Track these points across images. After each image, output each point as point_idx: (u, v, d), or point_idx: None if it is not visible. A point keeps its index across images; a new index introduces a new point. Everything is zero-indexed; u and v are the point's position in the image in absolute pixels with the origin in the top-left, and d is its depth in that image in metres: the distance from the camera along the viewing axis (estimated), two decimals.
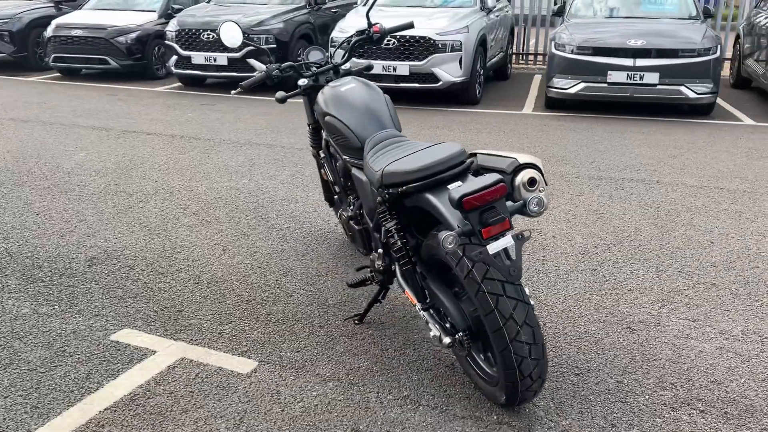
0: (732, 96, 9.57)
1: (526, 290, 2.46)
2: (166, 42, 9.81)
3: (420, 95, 9.30)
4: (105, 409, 2.64)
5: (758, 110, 8.56)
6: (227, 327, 3.27)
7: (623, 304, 3.50)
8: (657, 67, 7.71)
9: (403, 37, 8.29)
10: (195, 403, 2.69)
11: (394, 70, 8.32)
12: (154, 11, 11.08)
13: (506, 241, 2.24)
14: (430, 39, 8.23)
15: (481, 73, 9.02)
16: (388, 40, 8.30)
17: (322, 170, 3.93)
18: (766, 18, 9.13)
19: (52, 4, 12.18)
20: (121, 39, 10.37)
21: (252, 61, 10.32)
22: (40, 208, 4.86)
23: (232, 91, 3.67)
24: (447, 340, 2.58)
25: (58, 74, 11.29)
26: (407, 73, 8.34)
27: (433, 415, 2.64)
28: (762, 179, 5.59)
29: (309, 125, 3.80)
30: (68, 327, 3.25)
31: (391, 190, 2.63)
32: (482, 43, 8.89)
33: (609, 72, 7.85)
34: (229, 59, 9.38)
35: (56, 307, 3.45)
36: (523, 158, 2.47)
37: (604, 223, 4.60)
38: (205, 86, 10.28)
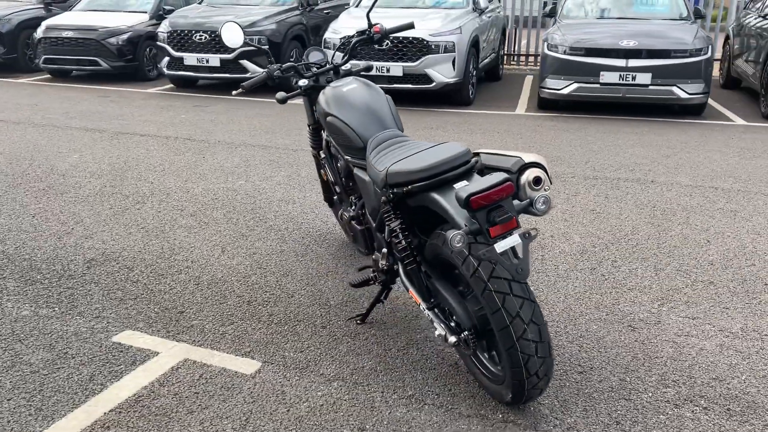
0: (722, 96, 9.65)
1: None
2: (158, 43, 9.77)
3: (413, 96, 9.31)
4: (110, 411, 2.63)
5: (748, 110, 8.63)
6: (229, 328, 3.27)
7: (623, 303, 3.53)
8: (649, 68, 7.76)
9: (397, 38, 8.30)
10: (200, 403, 2.69)
11: (388, 71, 8.33)
12: (145, 12, 11.04)
13: (513, 239, 2.26)
14: (423, 40, 8.25)
15: (474, 74, 9.05)
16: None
17: (322, 171, 3.93)
18: (755, 19, 9.21)
19: (42, 6, 12.11)
20: (112, 40, 10.33)
21: (245, 63, 10.31)
22: (35, 210, 4.83)
23: (233, 92, 3.65)
24: (452, 339, 2.59)
25: (49, 76, 11.23)
26: (401, 74, 8.35)
27: (439, 413, 2.65)
28: (755, 178, 5.64)
29: (309, 126, 3.80)
30: (69, 329, 3.23)
31: (395, 190, 2.63)
32: (475, 44, 8.91)
33: (601, 72, 7.89)
34: (222, 60, 9.37)
35: (56, 309, 3.43)
36: (528, 157, 2.49)
37: (601, 223, 4.62)
38: (197, 87, 10.26)
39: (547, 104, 8.61)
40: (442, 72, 8.34)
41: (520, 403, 2.59)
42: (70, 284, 3.70)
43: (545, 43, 8.43)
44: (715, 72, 10.82)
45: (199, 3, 10.72)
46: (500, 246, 2.24)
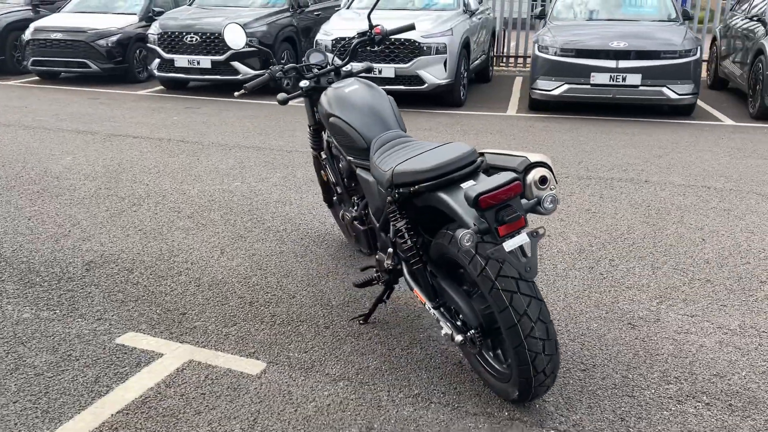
0: (710, 97, 9.75)
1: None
2: (149, 45, 9.74)
3: (405, 97, 9.33)
4: (117, 412, 2.63)
5: (736, 110, 8.73)
6: (232, 329, 3.27)
7: (622, 301, 3.56)
8: (639, 69, 7.84)
9: (388, 39, 8.32)
10: (207, 404, 2.69)
11: (380, 72, 8.35)
12: (135, 14, 11.00)
13: (522, 238, 2.28)
14: (415, 42, 8.28)
15: (465, 75, 9.09)
16: None
17: (323, 172, 3.95)
18: (742, 20, 9.31)
19: (30, 7, 12.03)
20: (102, 42, 10.29)
21: (236, 64, 10.29)
22: (31, 212, 4.80)
23: (236, 93, 3.65)
24: (459, 337, 2.61)
25: (37, 78, 11.17)
26: (393, 76, 8.37)
27: (446, 412, 2.66)
28: (746, 178, 5.71)
29: (310, 127, 3.81)
30: (71, 331, 3.22)
31: (401, 190, 2.65)
32: (466, 46, 8.95)
33: (592, 74, 7.95)
34: (213, 62, 9.35)
35: (57, 311, 3.42)
36: (533, 157, 2.51)
37: (597, 222, 4.66)
38: (188, 89, 10.23)
39: (538, 105, 8.67)
40: (433, 73, 8.37)
41: (527, 401, 2.62)
42: (69, 286, 3.69)
43: (536, 45, 8.49)
44: (703, 73, 10.92)
45: (190, 5, 10.69)
46: (509, 245, 2.26)
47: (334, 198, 3.96)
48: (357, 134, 3.10)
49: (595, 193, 5.28)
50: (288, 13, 10.26)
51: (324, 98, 3.36)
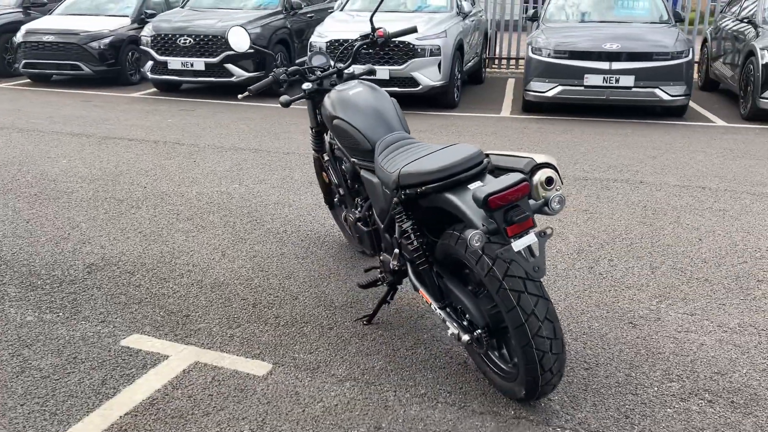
0: (701, 98, 9.83)
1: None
2: (142, 47, 9.72)
3: (399, 99, 9.35)
4: (125, 414, 2.63)
5: (727, 111, 8.81)
6: (237, 330, 3.28)
7: (622, 301, 3.60)
8: (632, 70, 7.89)
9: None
10: (215, 405, 2.70)
11: (375, 74, 8.35)
12: (127, 16, 10.97)
13: (530, 238, 2.31)
14: (409, 44, 8.31)
15: (459, 77, 9.13)
16: None
17: (324, 173, 3.96)
18: (732, 22, 9.40)
19: (21, 10, 11.98)
20: (94, 44, 10.25)
21: (229, 66, 10.28)
22: (29, 215, 4.79)
23: (239, 96, 3.67)
24: (466, 337, 2.63)
25: (28, 80, 11.11)
26: (387, 78, 8.40)
27: (452, 411, 2.69)
28: (740, 178, 5.77)
29: (312, 129, 3.82)
30: (76, 334, 3.22)
31: (408, 191, 2.67)
32: (460, 48, 8.99)
33: (585, 75, 8.00)
34: (206, 64, 9.34)
35: (60, 314, 3.42)
36: (539, 158, 2.54)
37: (595, 222, 4.70)
38: (181, 91, 10.22)
39: (532, 107, 8.71)
40: (428, 75, 8.41)
41: (533, 399, 2.64)
42: (72, 289, 3.69)
43: (529, 47, 8.54)
44: (694, 74, 11.00)
45: (182, 7, 10.68)
46: (517, 245, 2.29)
47: (335, 200, 3.98)
48: (361, 136, 3.12)
49: (591, 194, 5.33)
50: (281, 16, 10.26)
51: (327, 101, 3.38)
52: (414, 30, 3.70)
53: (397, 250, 2.98)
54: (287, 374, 2.92)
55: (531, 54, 8.42)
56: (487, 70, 12.55)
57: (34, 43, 10.34)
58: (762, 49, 7.82)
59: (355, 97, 3.25)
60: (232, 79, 9.38)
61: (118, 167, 6.04)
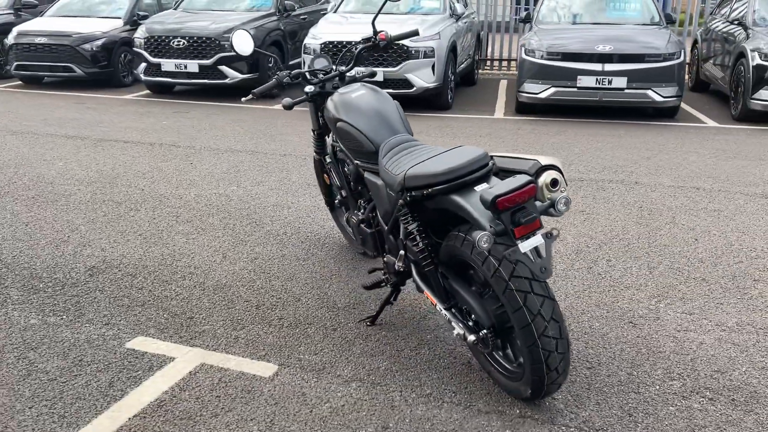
0: (692, 99, 9.92)
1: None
2: (135, 49, 9.71)
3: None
4: (134, 416, 2.65)
5: (718, 112, 8.89)
6: (241, 332, 3.30)
7: (622, 300, 3.64)
8: (625, 72, 7.96)
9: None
10: (223, 406, 2.72)
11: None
12: (119, 18, 10.95)
13: (537, 239, 2.34)
14: (403, 45, 8.34)
15: (452, 78, 9.17)
16: None
17: (325, 175, 3.98)
18: (722, 23, 9.49)
19: (12, 11, 11.92)
20: (87, 46, 10.23)
21: (224, 68, 10.28)
22: (28, 218, 4.79)
23: (243, 99, 3.68)
24: (472, 338, 2.66)
25: (20, 82, 11.07)
26: (381, 79, 8.43)
27: (458, 411, 2.72)
28: (733, 178, 5.84)
29: (314, 131, 3.85)
30: (80, 336, 3.23)
31: (414, 193, 2.70)
32: (453, 50, 9.04)
33: (578, 77, 8.06)
34: (200, 66, 9.34)
35: (64, 317, 3.42)
36: (544, 160, 2.57)
37: (592, 223, 4.75)
38: (174, 93, 10.21)
39: (525, 108, 8.76)
40: (422, 77, 8.45)
41: (539, 398, 2.68)
42: (74, 292, 3.69)
43: (522, 48, 8.59)
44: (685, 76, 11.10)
45: (175, 8, 10.66)
46: (524, 246, 2.32)
47: (336, 202, 4.00)
48: (365, 138, 3.15)
49: (588, 195, 5.37)
50: (275, 17, 10.27)
51: (330, 103, 3.41)
52: (416, 33, 3.73)
53: (401, 252, 3.01)
54: (293, 375, 2.94)
55: (524, 56, 8.47)
56: (480, 71, 12.60)
57: (25, 45, 10.31)
58: (752, 50, 7.91)
59: (359, 100, 3.27)
60: (226, 80, 9.39)
61: (114, 169, 6.04)
